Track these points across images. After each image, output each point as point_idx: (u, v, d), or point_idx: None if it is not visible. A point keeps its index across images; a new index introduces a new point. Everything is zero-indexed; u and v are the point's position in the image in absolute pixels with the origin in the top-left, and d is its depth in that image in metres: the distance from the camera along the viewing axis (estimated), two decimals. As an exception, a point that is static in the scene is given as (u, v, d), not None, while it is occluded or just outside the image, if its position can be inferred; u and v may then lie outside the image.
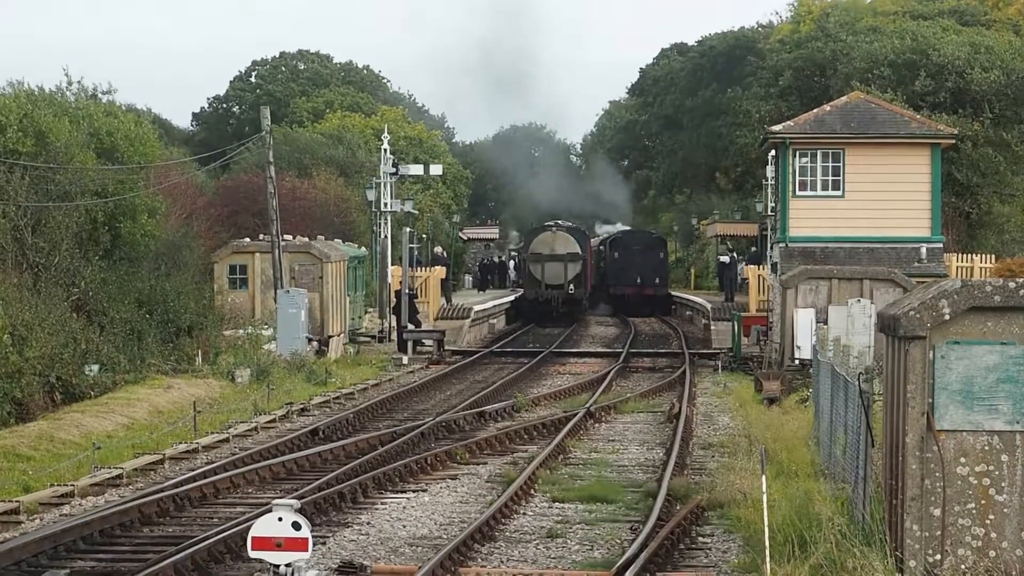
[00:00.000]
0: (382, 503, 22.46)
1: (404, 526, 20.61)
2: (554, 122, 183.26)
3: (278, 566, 13.34)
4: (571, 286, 76.53)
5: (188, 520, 21.18)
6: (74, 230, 40.45)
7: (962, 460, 13.99)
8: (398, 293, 54.37)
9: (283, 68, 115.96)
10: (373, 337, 55.29)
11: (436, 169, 66.46)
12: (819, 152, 45.16)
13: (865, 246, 44.94)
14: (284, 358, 42.35)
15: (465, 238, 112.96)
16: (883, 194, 44.65)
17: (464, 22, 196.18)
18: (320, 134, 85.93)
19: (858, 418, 16.56)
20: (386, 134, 60.84)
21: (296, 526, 13.28)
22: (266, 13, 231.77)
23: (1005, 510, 13.96)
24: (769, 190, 56.56)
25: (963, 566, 13.90)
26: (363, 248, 61.69)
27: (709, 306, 63.28)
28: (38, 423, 29.54)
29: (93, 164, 42.25)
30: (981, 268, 52.00)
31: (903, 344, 14.04)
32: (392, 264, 57.52)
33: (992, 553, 13.92)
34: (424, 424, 30.32)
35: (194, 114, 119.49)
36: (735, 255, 77.81)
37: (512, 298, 79.30)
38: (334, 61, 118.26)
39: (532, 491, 23.28)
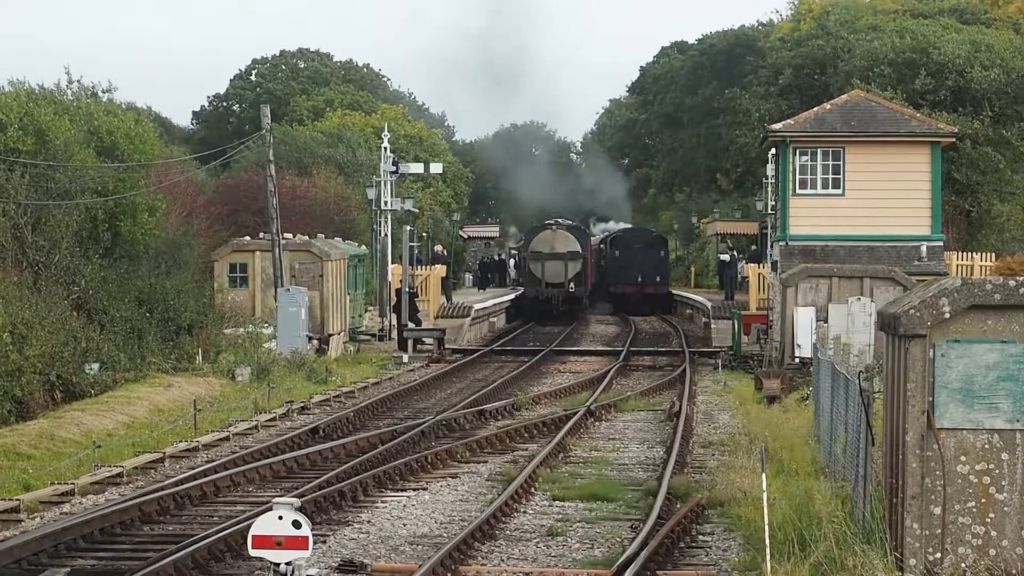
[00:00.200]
0: (382, 501, 22.46)
1: (404, 524, 20.62)
2: (554, 121, 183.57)
3: (278, 564, 13.35)
4: (571, 284, 76.53)
5: (188, 518, 21.18)
6: (74, 228, 40.45)
7: (962, 458, 14.00)
8: (398, 291, 54.38)
9: (283, 66, 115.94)
10: (373, 335, 55.30)
11: (436, 167, 66.47)
12: (819, 150, 45.16)
13: (865, 244, 44.94)
14: (284, 356, 42.35)
15: (465, 236, 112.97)
16: (883, 192, 44.65)
17: (464, 20, 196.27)
18: (320, 132, 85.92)
19: (858, 416, 16.56)
20: (386, 132, 60.86)
21: (296, 524, 13.29)
22: (266, 12, 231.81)
23: (1005, 508, 13.96)
24: (769, 188, 56.58)
25: (963, 564, 13.90)
26: (363, 246, 61.70)
27: (709, 304, 63.29)
28: (38, 421, 29.55)
29: (93, 163, 42.25)
30: (981, 266, 51.99)
31: (903, 342, 14.04)
32: (392, 262, 57.52)
33: (992, 551, 13.92)
34: (424, 422, 30.33)
35: (194, 112, 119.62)
36: (735, 253, 77.84)
37: (512, 296, 79.30)
38: (334, 59, 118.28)
39: (532, 489, 23.29)
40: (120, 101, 58.29)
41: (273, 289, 47.51)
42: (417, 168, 63.26)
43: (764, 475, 16.12)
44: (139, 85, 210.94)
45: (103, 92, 51.03)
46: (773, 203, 52.78)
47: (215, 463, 25.22)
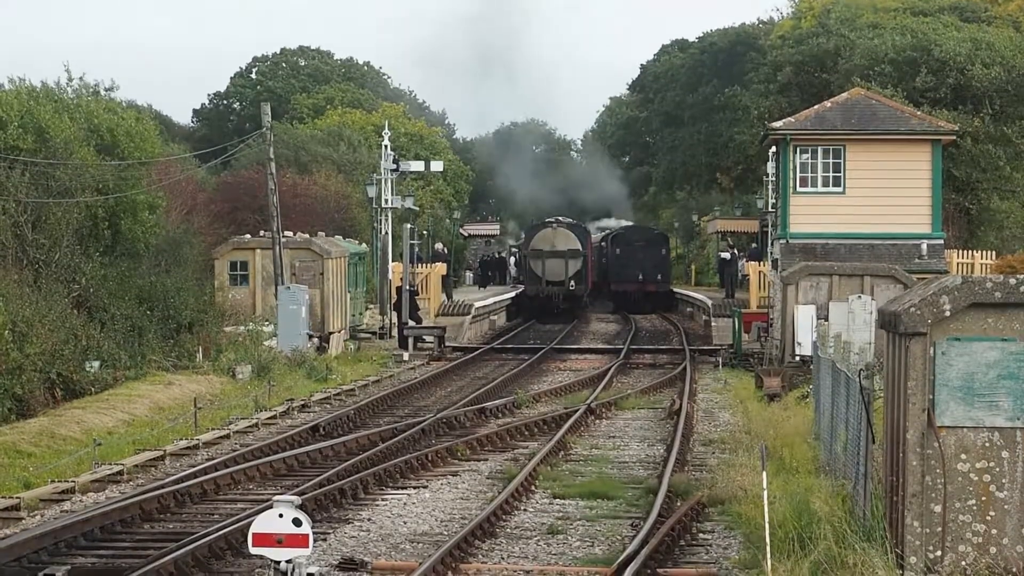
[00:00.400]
0: (383, 499, 22.46)
1: (405, 522, 20.62)
2: (555, 120, 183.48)
3: (279, 562, 13.35)
4: (572, 282, 76.54)
5: (189, 516, 21.19)
6: (75, 226, 40.46)
7: (963, 456, 13.99)
8: (399, 290, 54.39)
9: (284, 64, 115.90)
10: (374, 333, 55.31)
11: (437, 165, 66.51)
12: (820, 148, 45.16)
13: (866, 242, 44.91)
14: (285, 354, 42.35)
15: (466, 234, 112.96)
16: (884, 190, 44.63)
17: (463, 20, 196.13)
18: (319, 131, 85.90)
19: (859, 414, 16.56)
20: (387, 130, 60.86)
21: (297, 522, 13.29)
22: (267, 10, 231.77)
23: (1006, 506, 13.96)
24: (770, 186, 56.55)
25: (964, 562, 13.90)
26: (364, 244, 61.70)
27: (710, 302, 63.29)
28: (39, 419, 29.56)
29: (93, 160, 42.26)
30: (982, 264, 51.98)
31: (904, 340, 14.03)
32: (393, 260, 57.53)
33: (993, 549, 13.92)
34: (425, 420, 30.33)
35: (195, 110, 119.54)
36: (736, 251, 77.82)
37: (513, 294, 79.30)
38: (335, 58, 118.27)
39: (533, 487, 23.29)
40: (121, 99, 58.38)
41: (274, 287, 47.52)
42: (418, 166, 63.30)
43: (764, 473, 16.12)
44: (140, 83, 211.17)
45: (105, 90, 51.06)
46: (774, 201, 52.76)
47: (215, 461, 25.22)
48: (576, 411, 31.86)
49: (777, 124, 46.47)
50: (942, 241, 45.80)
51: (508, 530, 20.07)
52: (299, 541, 13.29)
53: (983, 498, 13.96)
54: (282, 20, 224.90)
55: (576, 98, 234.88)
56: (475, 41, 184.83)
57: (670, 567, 17.56)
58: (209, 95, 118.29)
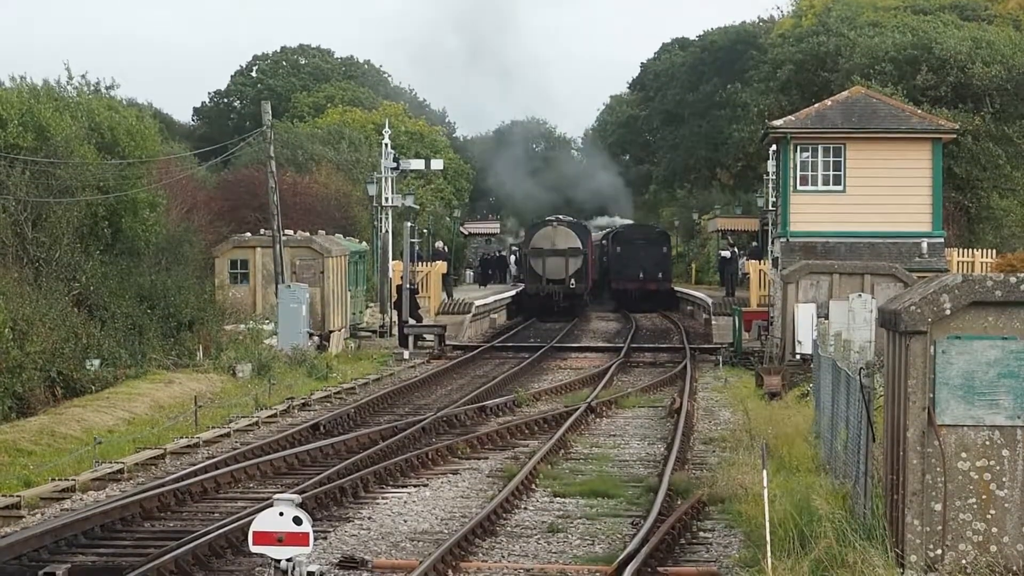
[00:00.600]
0: (383, 498, 22.46)
1: (405, 521, 20.62)
2: (555, 119, 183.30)
3: (279, 561, 13.35)
4: (572, 281, 76.50)
5: (189, 515, 21.19)
6: (75, 225, 40.46)
7: (963, 455, 14.00)
8: (399, 288, 54.38)
9: (284, 63, 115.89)
10: (374, 332, 55.31)
11: (437, 164, 66.49)
12: (820, 147, 45.13)
13: (866, 241, 44.88)
14: (285, 353, 42.37)
15: (466, 233, 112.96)
16: (884, 189, 44.61)
17: (463, 18, 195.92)
18: (320, 129, 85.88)
19: (859, 413, 16.56)
20: (387, 129, 60.85)
21: (297, 521, 13.29)
22: (267, 8, 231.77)
23: (1006, 505, 13.96)
24: (770, 185, 56.59)
25: (964, 561, 13.90)
26: (364, 243, 61.70)
27: (710, 301, 63.28)
28: (39, 418, 29.56)
29: (94, 159, 42.26)
30: (982, 263, 51.99)
31: (904, 339, 14.03)
32: (393, 259, 57.53)
33: (993, 548, 13.93)
34: (425, 419, 30.33)
35: (195, 109, 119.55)
36: (736, 250, 77.81)
37: (513, 293, 79.29)
38: (335, 56, 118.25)
39: (533, 486, 23.29)
40: (121, 97, 58.36)
41: (274, 285, 47.52)
42: (418, 164, 63.30)
43: (765, 471, 16.13)
44: (140, 81, 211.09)
45: (105, 89, 51.05)
46: (774, 199, 52.76)
47: (216, 459, 25.22)
48: (576, 409, 31.86)
49: (777, 123, 46.45)
50: (942, 240, 45.78)
51: (508, 528, 20.07)
52: (299, 539, 13.29)
53: (983, 496, 13.96)
54: (282, 18, 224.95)
55: (578, 97, 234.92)
56: (487, 56, 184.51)
57: (670, 566, 17.56)
58: (209, 93, 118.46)
